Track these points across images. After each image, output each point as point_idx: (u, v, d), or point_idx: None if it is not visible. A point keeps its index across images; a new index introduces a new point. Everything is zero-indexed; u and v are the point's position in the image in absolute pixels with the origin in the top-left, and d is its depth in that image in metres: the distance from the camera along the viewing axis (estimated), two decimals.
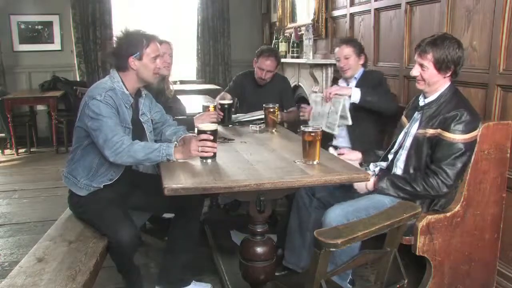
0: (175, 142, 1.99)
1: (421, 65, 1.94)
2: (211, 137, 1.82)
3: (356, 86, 2.65)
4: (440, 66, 1.90)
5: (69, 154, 2.11)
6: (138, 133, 2.07)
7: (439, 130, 1.90)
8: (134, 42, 1.95)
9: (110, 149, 1.84)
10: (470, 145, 1.89)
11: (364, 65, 2.72)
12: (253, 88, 3.24)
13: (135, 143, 1.88)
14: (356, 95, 2.43)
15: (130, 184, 2.15)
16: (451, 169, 1.87)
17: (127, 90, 2.00)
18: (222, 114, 2.67)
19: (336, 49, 2.70)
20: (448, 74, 1.93)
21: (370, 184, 1.99)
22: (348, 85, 2.72)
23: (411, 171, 1.99)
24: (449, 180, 1.87)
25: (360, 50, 2.67)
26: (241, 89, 3.27)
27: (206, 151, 1.80)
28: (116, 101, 1.94)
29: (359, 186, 2.02)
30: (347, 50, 2.64)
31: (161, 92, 2.62)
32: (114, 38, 2.01)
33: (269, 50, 3.14)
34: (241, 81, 3.31)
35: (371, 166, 2.23)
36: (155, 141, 2.20)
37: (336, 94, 2.45)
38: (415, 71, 1.97)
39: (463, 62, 1.95)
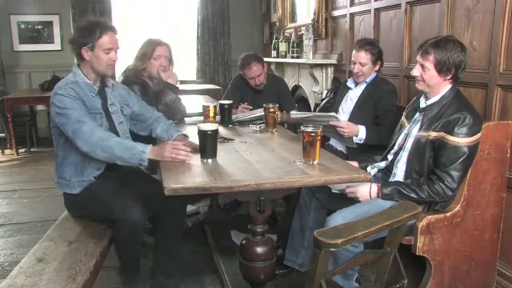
0: (150, 145, 1.94)
1: (422, 66, 1.93)
2: (188, 149, 1.86)
3: (365, 90, 2.65)
4: (441, 68, 1.89)
5: (55, 160, 2.12)
6: (108, 122, 2.08)
7: (442, 133, 1.88)
8: (87, 33, 1.96)
9: (81, 139, 1.86)
10: (474, 148, 1.87)
11: (378, 70, 2.68)
12: (250, 93, 3.25)
13: (110, 137, 1.90)
14: (362, 135, 2.44)
15: (120, 182, 2.13)
16: (455, 173, 1.85)
17: (89, 80, 2.03)
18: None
19: (354, 52, 2.65)
20: (449, 77, 1.91)
21: (374, 193, 1.96)
22: (356, 86, 2.72)
23: (414, 175, 1.97)
24: (454, 184, 1.86)
25: (377, 57, 2.61)
26: (240, 93, 3.29)
27: (179, 159, 1.83)
28: (80, 92, 1.96)
29: (363, 195, 1.98)
30: (365, 57, 2.58)
31: (162, 93, 2.62)
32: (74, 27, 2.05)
33: (247, 58, 3.14)
34: (239, 84, 3.32)
35: (368, 168, 2.23)
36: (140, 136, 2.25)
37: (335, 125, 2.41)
38: (416, 71, 1.97)
39: (465, 66, 1.92)
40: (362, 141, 2.45)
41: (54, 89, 1.96)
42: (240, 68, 3.18)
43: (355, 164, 2.18)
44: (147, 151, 1.86)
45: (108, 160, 1.94)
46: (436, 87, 1.95)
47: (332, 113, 2.43)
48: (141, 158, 1.85)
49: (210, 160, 1.83)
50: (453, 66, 1.88)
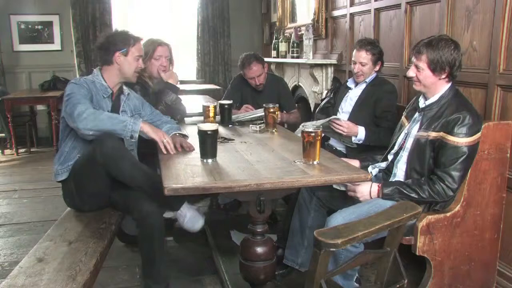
0: (141, 119, 2.13)
1: (417, 66, 1.94)
2: (174, 151, 1.98)
3: (365, 90, 2.66)
4: (435, 67, 1.89)
5: None
6: None
7: (442, 134, 1.88)
8: (123, 39, 2.15)
9: (75, 115, 1.93)
10: (473, 148, 1.87)
11: (379, 70, 2.69)
12: (251, 93, 3.26)
13: (103, 112, 2.02)
14: (361, 135, 2.46)
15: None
16: (456, 173, 1.85)
17: (105, 82, 2.16)
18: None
19: (354, 51, 2.65)
20: (444, 76, 1.91)
21: (374, 192, 1.96)
22: (356, 86, 2.73)
23: (414, 175, 1.97)
24: (454, 184, 1.86)
25: (378, 57, 2.62)
26: (241, 93, 3.29)
27: (167, 147, 1.97)
28: (92, 88, 2.10)
29: (363, 195, 1.98)
30: (365, 57, 2.59)
31: (162, 93, 2.62)
32: (103, 34, 2.22)
33: (247, 58, 3.14)
34: (239, 84, 3.32)
35: (369, 168, 2.23)
36: None
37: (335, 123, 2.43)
38: (411, 72, 1.97)
39: (460, 64, 1.91)
40: (360, 142, 2.47)
41: (69, 81, 2.12)
42: (240, 68, 3.19)
43: (356, 162, 2.19)
44: (139, 123, 1.99)
45: (97, 134, 1.96)
46: (433, 87, 1.95)
47: (335, 117, 2.45)
48: (133, 129, 1.97)
49: (210, 160, 1.83)
50: (447, 64, 1.88)
